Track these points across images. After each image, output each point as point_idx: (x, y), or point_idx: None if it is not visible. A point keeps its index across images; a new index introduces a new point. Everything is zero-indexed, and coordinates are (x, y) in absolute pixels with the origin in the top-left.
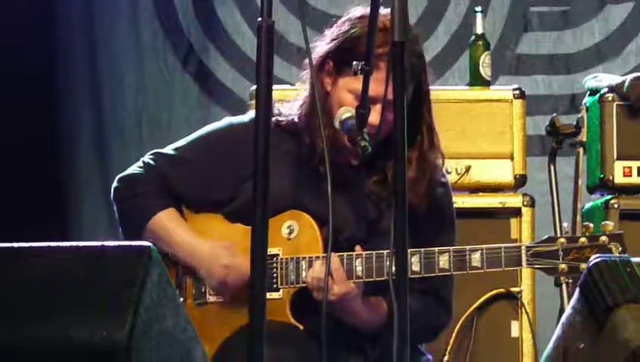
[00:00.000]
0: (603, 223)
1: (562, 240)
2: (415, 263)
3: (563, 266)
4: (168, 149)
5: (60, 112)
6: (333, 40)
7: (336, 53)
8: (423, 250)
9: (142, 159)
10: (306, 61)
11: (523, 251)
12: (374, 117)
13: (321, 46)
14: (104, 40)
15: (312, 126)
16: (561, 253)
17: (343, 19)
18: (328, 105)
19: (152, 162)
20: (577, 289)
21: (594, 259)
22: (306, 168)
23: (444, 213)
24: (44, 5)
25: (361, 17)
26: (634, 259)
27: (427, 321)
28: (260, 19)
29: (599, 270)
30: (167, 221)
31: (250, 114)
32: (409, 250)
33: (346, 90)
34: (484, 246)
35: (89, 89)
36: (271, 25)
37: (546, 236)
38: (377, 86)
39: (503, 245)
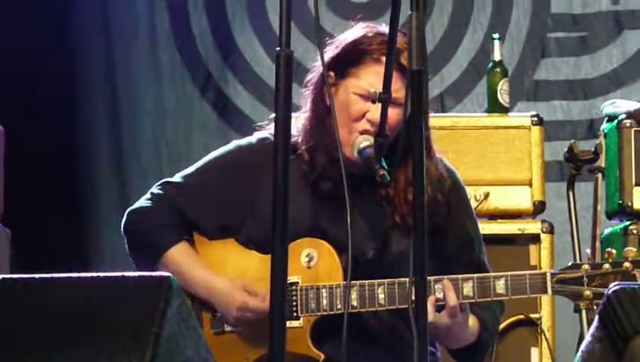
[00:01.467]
0: (626, 249)
1: (586, 266)
2: (438, 290)
3: (587, 292)
4: (177, 178)
5: (80, 141)
6: (334, 49)
7: (337, 60)
8: (446, 277)
9: (150, 190)
10: (307, 79)
11: (548, 278)
12: (375, 113)
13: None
14: (123, 68)
15: (314, 141)
16: (585, 279)
17: (338, 37)
18: (329, 120)
19: (161, 192)
20: (597, 317)
21: (613, 286)
22: (307, 185)
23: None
24: (63, 33)
25: (364, 26)
26: None
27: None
28: (278, 48)
29: (618, 297)
30: (179, 257)
31: (258, 135)
32: (432, 278)
33: (351, 93)
34: (509, 273)
35: (108, 117)
36: (289, 54)
37: (570, 263)
38: (377, 80)
39: (527, 272)
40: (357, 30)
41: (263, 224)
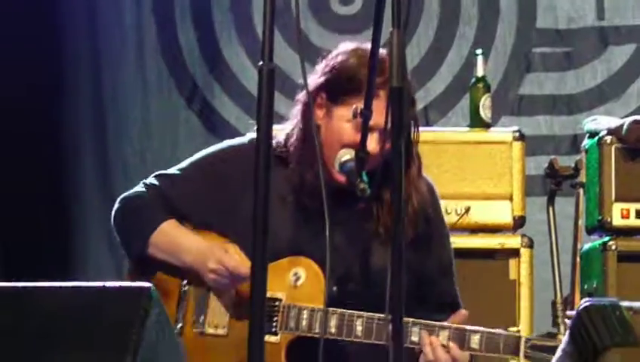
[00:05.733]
0: None
1: (562, 337)
2: (415, 334)
3: None
4: (171, 170)
5: (65, 150)
6: (327, 72)
7: (331, 84)
8: (422, 322)
9: (143, 181)
10: (298, 97)
11: (522, 343)
12: (373, 145)
13: (313, 80)
14: (110, 77)
15: (303, 160)
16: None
17: (334, 52)
18: (320, 138)
19: (154, 183)
20: (567, 332)
21: (583, 302)
22: (294, 199)
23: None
24: (50, 43)
25: (356, 49)
26: (623, 303)
27: None
28: (260, 62)
29: (588, 313)
30: (171, 229)
31: (250, 135)
32: (411, 320)
33: (345, 120)
34: (485, 330)
35: (94, 126)
36: (272, 69)
37: (547, 332)
38: (376, 115)
39: (503, 332)
40: (351, 55)
41: (246, 226)
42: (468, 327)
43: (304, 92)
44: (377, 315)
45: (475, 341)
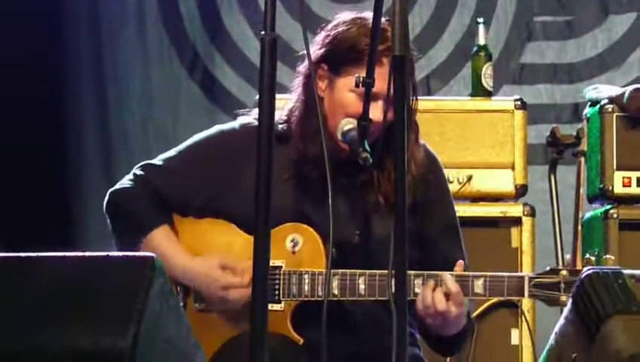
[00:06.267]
0: (604, 257)
1: (564, 272)
2: (418, 286)
3: (564, 298)
4: (158, 160)
5: (66, 121)
6: (328, 43)
7: (332, 55)
8: (426, 273)
9: (132, 171)
10: (299, 68)
11: (526, 282)
12: (377, 114)
13: (314, 51)
14: (110, 47)
15: (307, 132)
16: (562, 285)
17: (333, 22)
18: (323, 109)
19: (142, 174)
20: (570, 300)
21: (586, 270)
22: (296, 173)
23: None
24: (50, 15)
25: (355, 18)
26: (625, 271)
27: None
28: (262, 32)
29: (591, 281)
30: (158, 242)
31: (240, 120)
32: (413, 273)
33: (348, 90)
34: (488, 274)
35: (95, 97)
36: (274, 39)
37: (549, 267)
38: (380, 82)
39: (506, 274)
40: (351, 24)
41: (246, 205)
42: (471, 273)
43: (304, 63)
44: (379, 271)
45: (478, 286)
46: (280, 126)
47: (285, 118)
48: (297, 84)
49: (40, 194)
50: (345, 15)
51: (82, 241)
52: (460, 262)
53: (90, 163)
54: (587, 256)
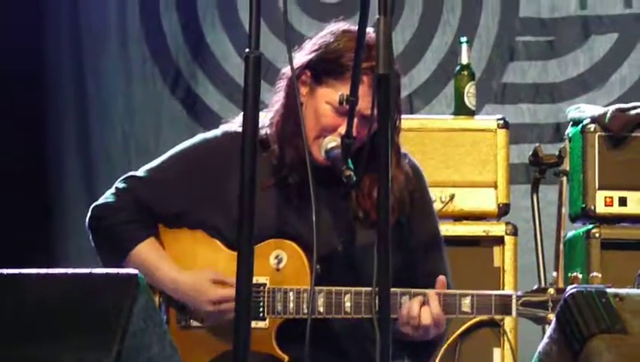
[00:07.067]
0: (591, 276)
1: (551, 291)
2: (404, 302)
3: (551, 316)
4: (141, 172)
5: (48, 137)
6: (314, 50)
7: (316, 63)
8: (412, 291)
9: (115, 185)
10: (282, 71)
11: (513, 300)
12: (355, 130)
13: (300, 57)
14: (93, 65)
15: (283, 135)
16: (550, 304)
17: (323, 32)
18: (303, 115)
19: (125, 186)
20: (554, 319)
21: (570, 289)
22: (277, 180)
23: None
24: (33, 29)
25: (345, 32)
26: (609, 290)
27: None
28: (247, 50)
29: (575, 300)
30: (145, 255)
31: (223, 128)
32: (399, 290)
33: (324, 102)
34: (475, 292)
35: (77, 114)
36: (258, 56)
37: (536, 286)
38: (361, 101)
39: (493, 292)
40: (339, 38)
41: (230, 217)
42: (458, 292)
43: (287, 69)
44: (365, 289)
45: (466, 304)
46: (262, 131)
47: (268, 122)
48: (280, 87)
49: (21, 210)
50: (336, 26)
51: (64, 257)
52: (442, 277)
53: (72, 179)
54: (574, 273)
